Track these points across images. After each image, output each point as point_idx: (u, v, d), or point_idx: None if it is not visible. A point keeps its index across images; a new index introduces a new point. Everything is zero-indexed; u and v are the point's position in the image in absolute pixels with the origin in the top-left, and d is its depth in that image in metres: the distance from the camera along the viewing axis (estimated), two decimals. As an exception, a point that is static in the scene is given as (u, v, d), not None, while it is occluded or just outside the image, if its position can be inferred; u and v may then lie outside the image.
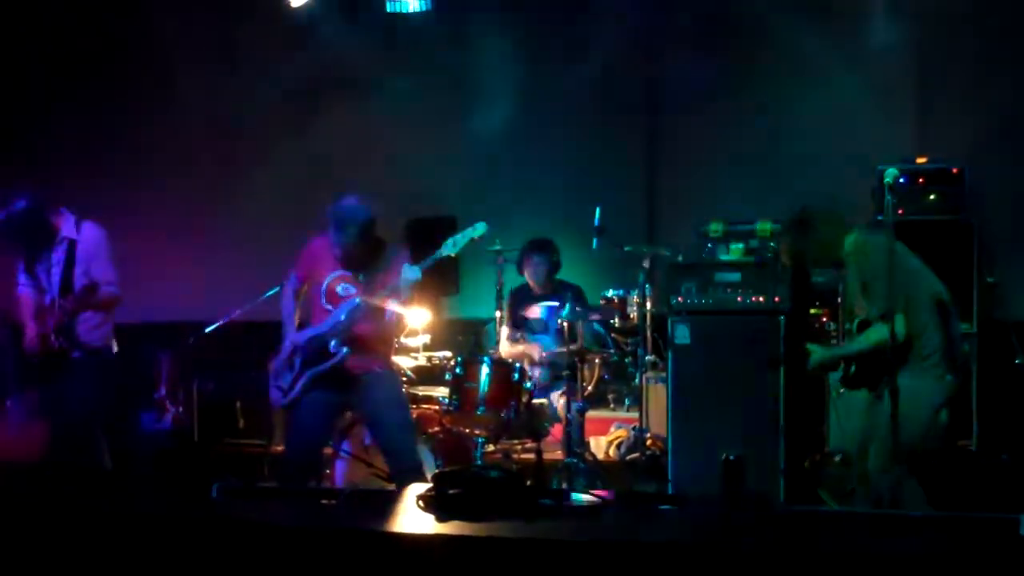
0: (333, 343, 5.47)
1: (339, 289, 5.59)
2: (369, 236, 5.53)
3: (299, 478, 5.56)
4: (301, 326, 5.77)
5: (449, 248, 5.54)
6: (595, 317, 7.37)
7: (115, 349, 6.25)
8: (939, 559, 3.26)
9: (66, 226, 6.04)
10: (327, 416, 5.73)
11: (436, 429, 6.90)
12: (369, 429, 5.83)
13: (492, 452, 6.99)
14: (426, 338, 7.80)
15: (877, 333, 5.05)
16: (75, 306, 5.93)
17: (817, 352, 5.49)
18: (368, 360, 5.57)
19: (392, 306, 5.49)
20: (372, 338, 5.59)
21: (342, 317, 5.49)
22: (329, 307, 5.57)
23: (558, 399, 7.18)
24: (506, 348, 7.66)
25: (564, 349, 6.86)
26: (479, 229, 5.57)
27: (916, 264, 5.31)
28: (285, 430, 7.00)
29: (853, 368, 5.34)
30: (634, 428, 7.40)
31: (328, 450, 6.49)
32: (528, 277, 7.72)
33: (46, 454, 5.78)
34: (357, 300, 5.50)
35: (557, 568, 3.39)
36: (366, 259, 5.57)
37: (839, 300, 6.56)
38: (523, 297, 7.73)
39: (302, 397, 5.57)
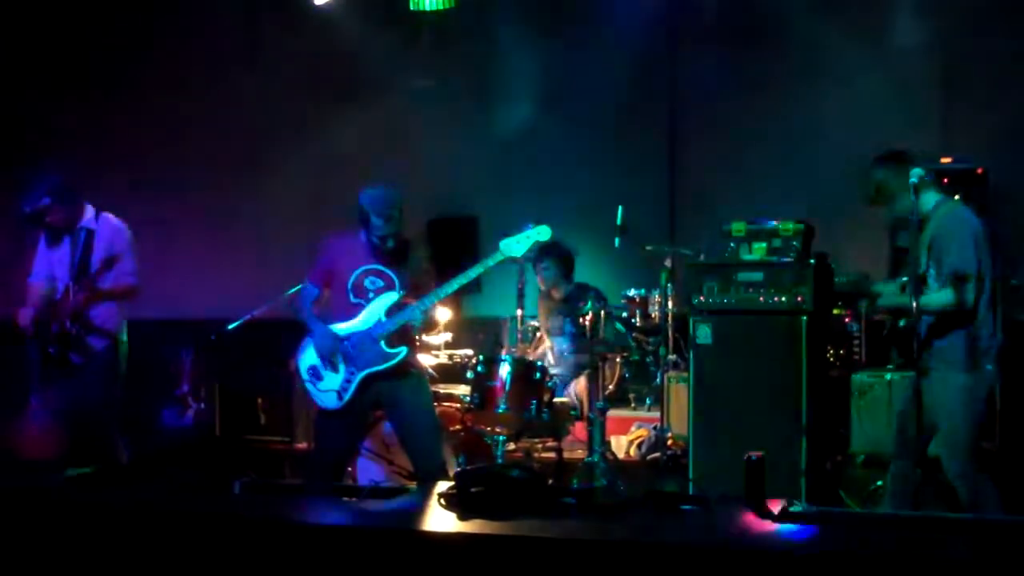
0: (383, 344, 5.41)
1: (367, 283, 5.48)
2: (403, 224, 5.45)
3: (331, 478, 5.48)
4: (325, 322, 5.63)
5: (514, 250, 5.39)
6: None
7: (125, 337, 6.24)
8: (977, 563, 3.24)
9: (86, 216, 6.12)
10: (363, 416, 5.71)
11: (457, 427, 6.92)
12: (397, 431, 5.75)
13: (513, 450, 7.00)
14: (447, 336, 7.81)
15: (946, 295, 4.99)
16: (90, 293, 5.97)
17: (888, 294, 5.45)
18: (406, 357, 5.52)
19: (423, 303, 5.45)
20: (406, 335, 5.55)
21: (383, 318, 5.43)
22: (359, 301, 5.46)
23: (576, 389, 7.19)
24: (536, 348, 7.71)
25: (580, 353, 6.88)
26: (544, 233, 5.44)
27: (988, 250, 5.16)
28: (311, 429, 6.88)
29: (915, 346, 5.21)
30: (655, 427, 7.40)
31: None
32: (540, 284, 7.69)
33: (66, 450, 5.81)
34: (395, 296, 5.44)
35: (578, 567, 3.39)
36: (400, 250, 5.49)
37: (860, 302, 6.50)
38: (546, 301, 7.73)
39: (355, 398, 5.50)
